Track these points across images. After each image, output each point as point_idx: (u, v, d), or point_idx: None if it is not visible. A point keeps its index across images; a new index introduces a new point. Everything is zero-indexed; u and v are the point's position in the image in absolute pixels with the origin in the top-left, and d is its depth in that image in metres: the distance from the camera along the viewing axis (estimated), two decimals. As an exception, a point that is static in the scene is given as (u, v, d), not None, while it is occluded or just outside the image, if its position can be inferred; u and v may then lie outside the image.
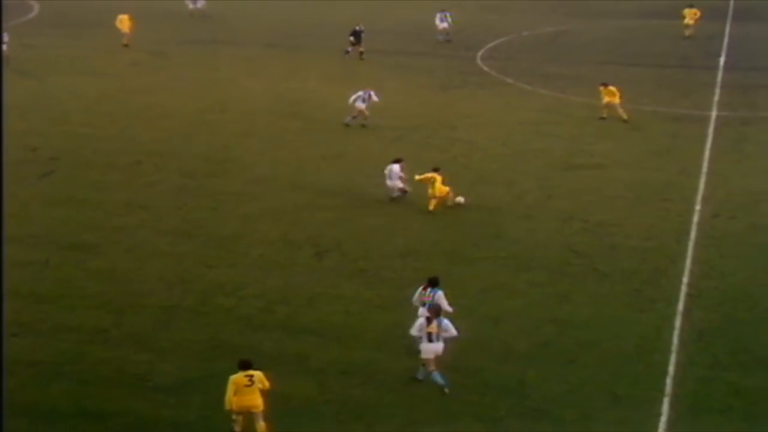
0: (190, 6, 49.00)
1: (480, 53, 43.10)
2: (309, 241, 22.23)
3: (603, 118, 31.52)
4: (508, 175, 26.82)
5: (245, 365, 14.71)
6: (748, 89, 36.42)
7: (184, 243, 22.05)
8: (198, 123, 31.70)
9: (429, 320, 16.11)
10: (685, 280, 20.23)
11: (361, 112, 30.66)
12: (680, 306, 19.09)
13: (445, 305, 16.85)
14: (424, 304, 16.93)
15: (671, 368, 16.83)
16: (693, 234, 22.64)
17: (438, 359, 16.07)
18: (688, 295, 19.54)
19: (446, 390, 15.86)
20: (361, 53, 40.78)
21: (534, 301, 19.29)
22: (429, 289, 17.15)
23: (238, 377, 14.58)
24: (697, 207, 24.35)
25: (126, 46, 41.91)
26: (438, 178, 23.99)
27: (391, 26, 49.13)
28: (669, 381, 16.47)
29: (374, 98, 30.85)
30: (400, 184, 24.53)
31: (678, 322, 18.44)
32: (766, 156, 28.44)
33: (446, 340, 16.07)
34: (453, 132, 30.91)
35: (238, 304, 19.20)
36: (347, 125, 30.77)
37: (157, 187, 25.53)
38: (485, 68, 40.16)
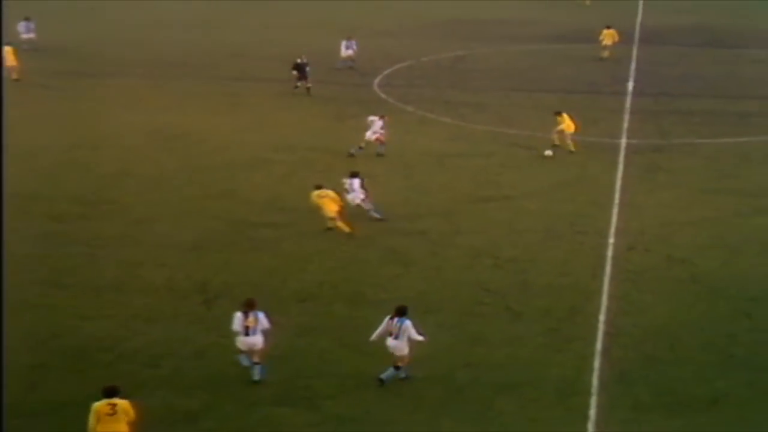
0: (23, 36, 47.09)
1: (377, 80, 43.57)
2: (196, 287, 21.88)
3: (555, 146, 32.45)
4: (412, 210, 27.00)
5: (109, 393, 14.93)
6: (658, 115, 37.80)
7: (56, 293, 21.41)
8: (68, 161, 31.02)
9: (246, 314, 17.74)
10: (602, 317, 20.65)
11: (379, 139, 31.59)
12: (599, 345, 19.46)
13: (415, 335, 17.62)
14: (390, 335, 17.62)
15: (592, 412, 17.09)
16: (608, 268, 23.18)
17: (256, 351, 17.81)
18: (607, 334, 19.94)
19: (256, 378, 17.63)
20: (308, 88, 40.54)
21: (445, 345, 19.35)
22: (396, 319, 17.69)
23: (101, 405, 14.85)
24: (611, 240, 24.98)
25: (17, 80, 40.42)
26: (330, 195, 25.20)
27: (279, 53, 49.24)
28: (591, 426, 16.71)
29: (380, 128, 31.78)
30: (360, 197, 26.07)
31: (597, 363, 18.77)
32: (679, 184, 29.46)
33: (264, 333, 17.80)
34: (351, 165, 30.84)
35: (118, 359, 18.68)
36: (352, 155, 31.34)
37: (22, 233, 24.72)
38: (383, 96, 40.57)
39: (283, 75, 43.19)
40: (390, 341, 17.59)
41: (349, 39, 46.05)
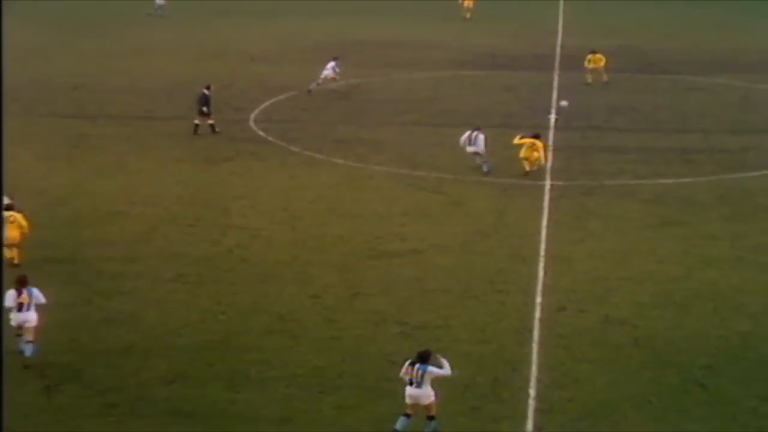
0: None
1: (253, 115, 43.63)
2: (35, 371, 21.25)
3: (527, 173, 34.57)
4: (301, 269, 26.92)
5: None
6: (587, 152, 38.70)
7: None
8: None
9: (19, 291, 21.06)
10: (532, 392, 20.75)
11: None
12: (529, 425, 19.54)
13: (440, 371, 18.76)
14: (411, 383, 18.64)
15: (526, 505, 17.12)
16: (536, 333, 23.37)
17: (29, 329, 21.12)
18: (538, 411, 20.04)
19: (27, 354, 20.87)
20: (213, 126, 40.31)
21: (348, 431, 19.18)
22: (417, 366, 18.62)
23: None
24: (539, 299, 25.25)
25: None
26: (18, 220, 26.43)
27: (129, 84, 48.97)
28: None
29: None
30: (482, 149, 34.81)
31: (529, 446, 18.87)
32: (614, 233, 30.07)
33: (38, 309, 21.26)
34: (225, 217, 30.88)
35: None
36: None
37: None
38: (262, 133, 40.59)
39: (137, 110, 42.93)
40: (411, 390, 18.49)
41: (336, 59, 48.23)
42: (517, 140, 35.35)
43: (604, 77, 50.95)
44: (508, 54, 59.42)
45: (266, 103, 45.96)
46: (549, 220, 30.88)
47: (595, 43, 54.44)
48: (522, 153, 34.91)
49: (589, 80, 50.84)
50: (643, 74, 54.18)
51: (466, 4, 75.71)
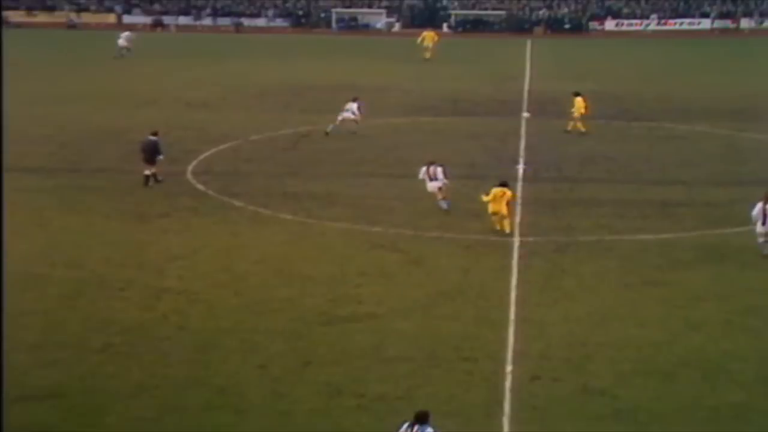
0: None
1: (191, 166, 43.34)
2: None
3: (496, 231, 34.50)
4: (245, 336, 26.52)
5: None
6: (559, 206, 38.63)
7: None
8: None
9: None
10: (504, 471, 20.49)
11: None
12: (502, 508, 19.21)
13: None
14: None
15: None
16: (507, 405, 23.06)
17: None
18: (512, 493, 19.75)
19: None
20: (155, 176, 40.43)
21: None
22: (416, 427, 19.12)
23: None
24: (509, 367, 24.96)
25: None
26: None
27: (53, 132, 48.56)
28: None
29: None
30: (440, 184, 37.22)
31: None
32: (590, 293, 29.90)
33: None
34: (159, 280, 30.44)
35: None
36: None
37: None
38: (201, 187, 40.29)
39: (60, 162, 42.46)
40: None
41: (356, 100, 49.73)
42: (485, 198, 35.03)
43: (571, 125, 51.29)
44: (472, 99, 59.72)
45: (206, 154, 45.73)
46: (519, 279, 30.68)
47: (565, 88, 54.80)
48: (491, 208, 34.70)
49: (570, 128, 51.17)
50: (617, 121, 54.57)
51: (426, 43, 76.28)
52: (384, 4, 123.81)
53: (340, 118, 48.97)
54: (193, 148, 46.46)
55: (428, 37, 77.93)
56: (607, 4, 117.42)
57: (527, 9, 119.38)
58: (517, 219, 36.26)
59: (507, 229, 34.66)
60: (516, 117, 54.24)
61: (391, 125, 52.80)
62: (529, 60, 77.53)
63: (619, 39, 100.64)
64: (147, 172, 40.48)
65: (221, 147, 47.07)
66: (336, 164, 44.47)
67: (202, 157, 45.16)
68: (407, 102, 58.80)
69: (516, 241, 34.30)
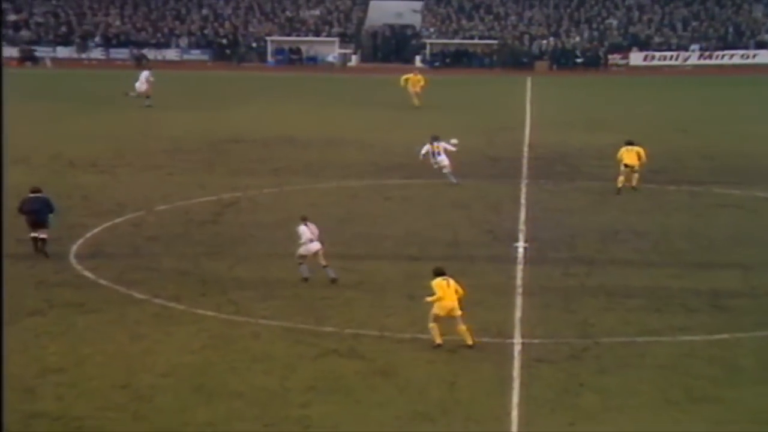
0: None
1: (75, 247, 43.08)
2: None
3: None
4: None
5: None
6: (573, 297, 38.44)
7: None
8: None
9: None
10: None
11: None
12: None
13: None
14: None
15: None
16: None
17: None
18: None
19: None
20: (44, 243, 41.44)
21: None
22: None
23: None
24: None
25: None
26: None
27: None
28: None
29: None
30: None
31: None
32: (618, 413, 29.69)
33: None
34: (30, 401, 30.04)
35: None
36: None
37: None
38: (88, 274, 39.99)
39: None
40: None
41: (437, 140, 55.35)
42: (431, 298, 34.37)
43: (621, 180, 52.32)
44: (455, 155, 59.80)
45: (95, 230, 45.45)
46: (522, 395, 30.44)
47: (578, 140, 55.05)
48: (443, 308, 33.96)
49: (620, 185, 52.47)
50: (648, 185, 54.75)
51: (412, 88, 76.93)
52: (336, 30, 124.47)
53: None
54: (78, 222, 46.11)
55: (413, 80, 78.63)
56: (632, 31, 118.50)
57: (526, 38, 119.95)
58: (518, 314, 36.12)
59: (469, 341, 34.03)
60: (513, 179, 54.40)
61: (347, 190, 52.77)
62: (529, 104, 78.03)
63: (649, 77, 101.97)
64: (36, 235, 41.13)
65: (116, 221, 46.80)
66: (273, 242, 44.19)
67: (89, 234, 44.86)
68: (368, 159, 58.82)
69: (517, 343, 34.05)
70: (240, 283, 39.45)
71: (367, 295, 37.52)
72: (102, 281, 39.38)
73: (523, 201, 50.65)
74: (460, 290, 33.74)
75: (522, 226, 46.34)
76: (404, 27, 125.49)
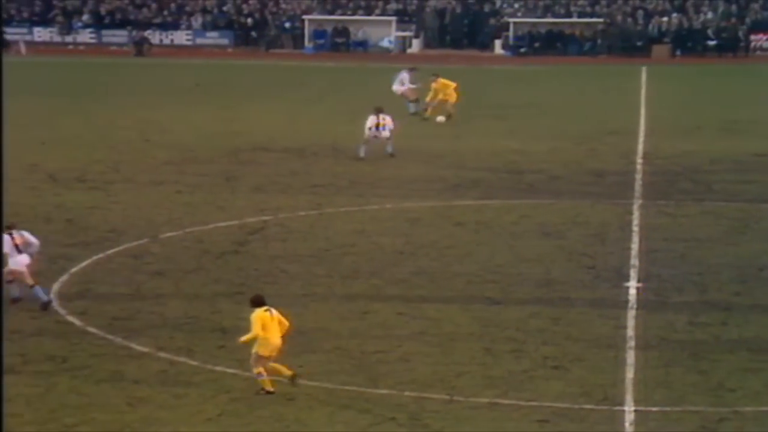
0: None
1: (58, 285, 43.29)
2: None
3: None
4: None
5: None
6: (703, 353, 38.19)
7: None
8: None
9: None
10: None
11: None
12: None
13: None
14: None
15: None
16: None
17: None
18: None
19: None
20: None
21: None
22: None
23: None
24: None
25: None
26: None
27: None
28: None
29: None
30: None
31: None
32: None
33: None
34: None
35: None
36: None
37: None
38: (74, 320, 40.16)
39: None
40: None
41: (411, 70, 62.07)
42: (245, 338, 34.38)
43: None
44: (547, 169, 59.92)
45: (83, 263, 45.61)
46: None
47: (709, 148, 54.97)
48: (267, 347, 34.16)
49: None
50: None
51: (443, 97, 74.25)
52: (392, 7, 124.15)
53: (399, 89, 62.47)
54: (62, 252, 46.29)
55: (443, 87, 74.43)
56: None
57: (640, 15, 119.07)
58: (629, 374, 36.08)
59: (287, 372, 34.33)
60: (623, 199, 54.42)
61: (407, 213, 52.85)
62: (644, 101, 78.02)
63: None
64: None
65: (110, 251, 47.01)
66: (309, 279, 44.35)
67: (76, 268, 44.99)
68: (434, 174, 58.92)
69: (629, 411, 34.02)
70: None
71: (433, 349, 37.49)
72: (91, 329, 39.46)
73: (635, 228, 50.54)
74: (285, 322, 34.56)
75: (634, 261, 46.30)
76: (480, 2, 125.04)
